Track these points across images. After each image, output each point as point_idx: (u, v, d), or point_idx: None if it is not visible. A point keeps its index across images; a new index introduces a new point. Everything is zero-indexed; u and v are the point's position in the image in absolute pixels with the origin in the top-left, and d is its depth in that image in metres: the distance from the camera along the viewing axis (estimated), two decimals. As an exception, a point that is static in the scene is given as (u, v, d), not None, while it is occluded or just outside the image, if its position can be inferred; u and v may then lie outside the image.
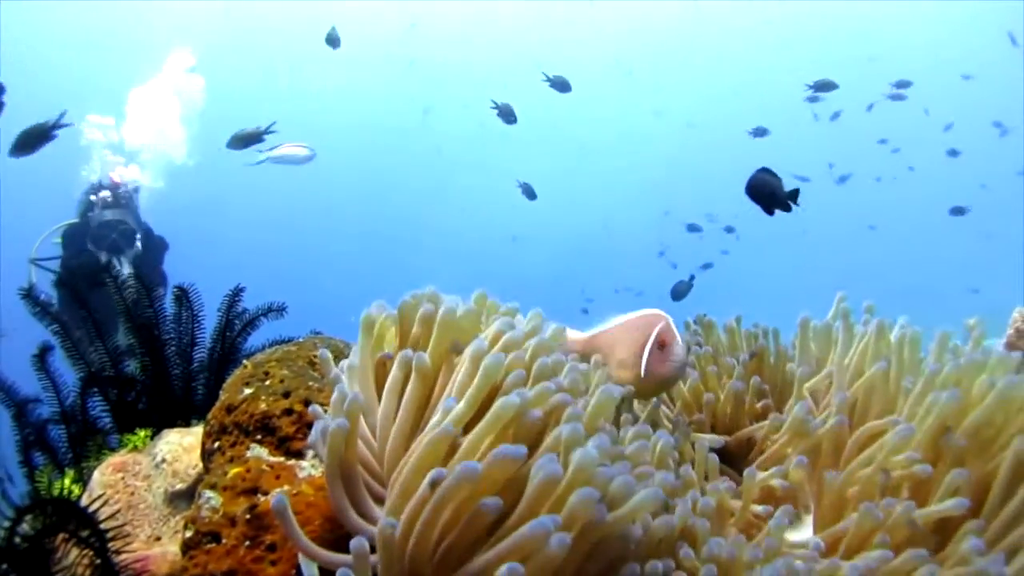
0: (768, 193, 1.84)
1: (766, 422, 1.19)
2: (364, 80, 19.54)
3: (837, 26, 17.29)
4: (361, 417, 0.89)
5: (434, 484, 0.78)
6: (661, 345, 1.12)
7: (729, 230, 10.07)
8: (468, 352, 0.89)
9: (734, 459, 1.20)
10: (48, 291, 3.52)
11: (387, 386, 0.91)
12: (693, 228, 9.76)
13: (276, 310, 1.42)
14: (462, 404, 0.83)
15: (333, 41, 4.80)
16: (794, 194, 1.85)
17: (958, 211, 7.50)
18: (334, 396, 0.88)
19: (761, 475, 1.06)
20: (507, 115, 4.90)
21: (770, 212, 1.87)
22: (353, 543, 0.79)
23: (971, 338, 1.20)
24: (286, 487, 0.94)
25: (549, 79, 4.98)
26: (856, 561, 0.90)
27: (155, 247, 3.87)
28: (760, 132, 6.63)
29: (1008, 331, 2.08)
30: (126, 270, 3.40)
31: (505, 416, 0.82)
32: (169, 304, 1.49)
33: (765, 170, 1.87)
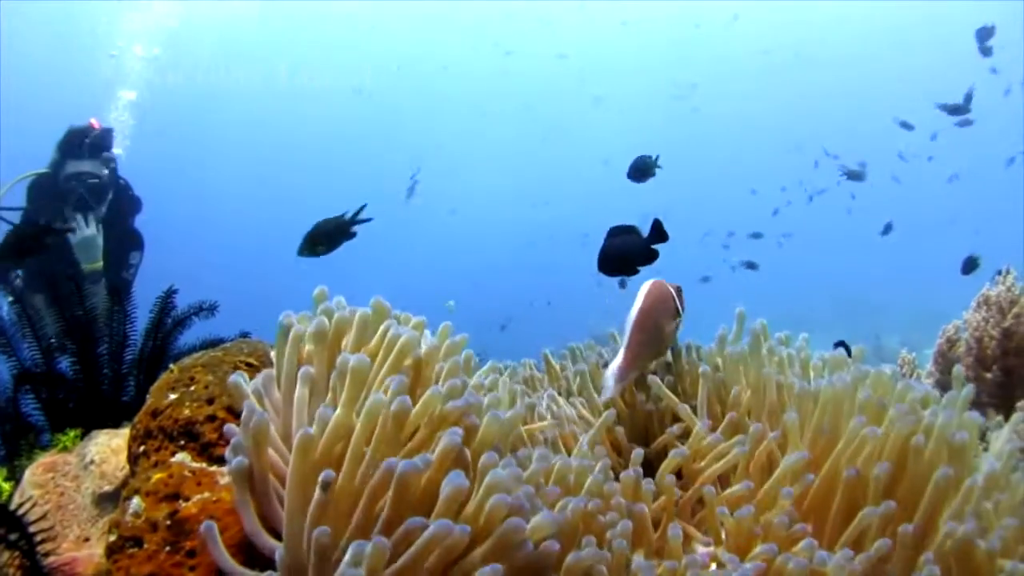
0: (619, 257, 1.70)
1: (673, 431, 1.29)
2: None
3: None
4: (274, 432, 0.93)
5: (326, 487, 0.82)
6: None
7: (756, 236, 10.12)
8: (338, 364, 0.93)
9: (653, 469, 1.25)
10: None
11: (295, 406, 0.95)
12: (756, 235, 9.76)
13: (207, 309, 1.42)
14: (339, 410, 0.88)
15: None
16: (658, 233, 1.67)
17: (887, 229, 7.63)
18: (243, 414, 0.90)
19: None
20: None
21: (634, 272, 1.72)
22: (278, 555, 0.83)
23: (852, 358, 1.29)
24: (206, 494, 0.95)
25: (845, 171, 5.26)
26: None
27: (128, 206, 3.56)
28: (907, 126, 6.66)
29: (939, 340, 2.16)
30: (90, 230, 3.21)
31: (375, 412, 0.87)
32: (102, 300, 1.48)
33: (612, 233, 1.72)
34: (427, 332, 1.14)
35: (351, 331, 1.06)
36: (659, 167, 2.74)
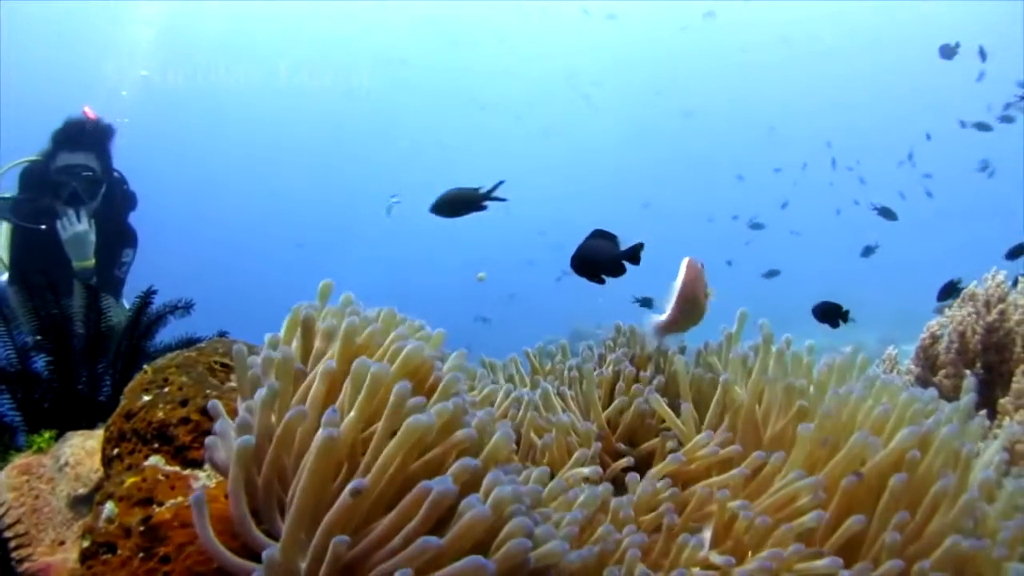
0: (590, 261, 1.68)
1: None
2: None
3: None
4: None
5: (356, 493, 0.81)
6: None
7: (757, 226, 10.13)
8: (354, 369, 0.91)
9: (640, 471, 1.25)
10: None
11: (310, 403, 0.92)
12: (756, 226, 9.72)
13: (182, 307, 1.39)
14: (353, 413, 0.87)
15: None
16: (633, 253, 1.66)
17: (868, 251, 7.60)
18: (262, 394, 0.88)
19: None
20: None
21: (599, 280, 1.70)
22: (266, 553, 0.81)
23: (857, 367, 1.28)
24: (180, 499, 0.93)
25: (876, 209, 5.39)
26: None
27: (122, 201, 3.36)
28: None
29: (922, 335, 2.16)
30: (82, 225, 3.06)
31: (416, 431, 0.85)
32: (80, 298, 1.44)
33: (594, 235, 1.69)
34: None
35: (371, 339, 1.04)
36: (501, 199, 2.31)
